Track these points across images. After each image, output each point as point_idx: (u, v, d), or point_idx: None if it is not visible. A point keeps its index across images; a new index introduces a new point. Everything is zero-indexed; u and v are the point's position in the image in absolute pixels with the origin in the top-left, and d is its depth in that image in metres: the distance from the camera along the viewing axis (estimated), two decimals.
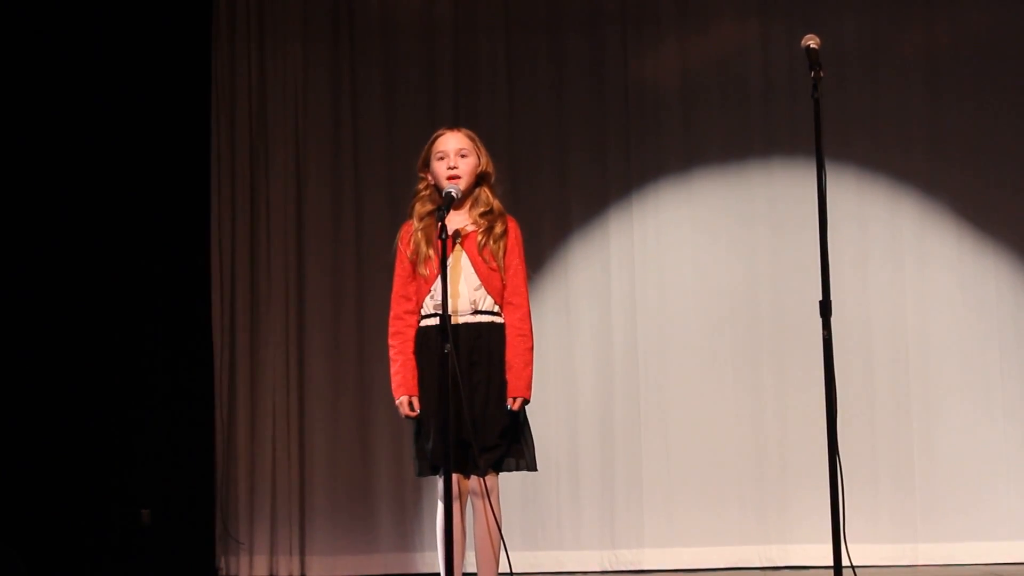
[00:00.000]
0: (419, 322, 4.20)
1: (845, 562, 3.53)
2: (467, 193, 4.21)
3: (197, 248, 6.44)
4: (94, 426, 6.29)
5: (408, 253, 4.21)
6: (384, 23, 6.63)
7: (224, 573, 6.33)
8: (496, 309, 4.17)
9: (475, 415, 4.04)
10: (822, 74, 3.65)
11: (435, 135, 4.29)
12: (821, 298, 3.59)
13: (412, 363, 4.17)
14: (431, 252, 4.14)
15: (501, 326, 4.16)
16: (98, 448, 6.29)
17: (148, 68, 6.41)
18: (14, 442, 6.19)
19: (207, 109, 6.50)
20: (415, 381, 4.16)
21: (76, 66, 6.37)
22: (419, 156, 4.30)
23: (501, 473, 4.17)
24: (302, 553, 6.36)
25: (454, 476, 3.96)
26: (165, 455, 6.34)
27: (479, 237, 4.16)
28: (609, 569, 6.29)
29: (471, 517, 4.18)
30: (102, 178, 6.37)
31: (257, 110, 6.54)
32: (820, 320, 3.58)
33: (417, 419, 4.16)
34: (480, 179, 4.25)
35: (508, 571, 4.11)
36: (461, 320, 4.10)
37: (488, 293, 4.15)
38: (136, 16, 6.41)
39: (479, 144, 4.27)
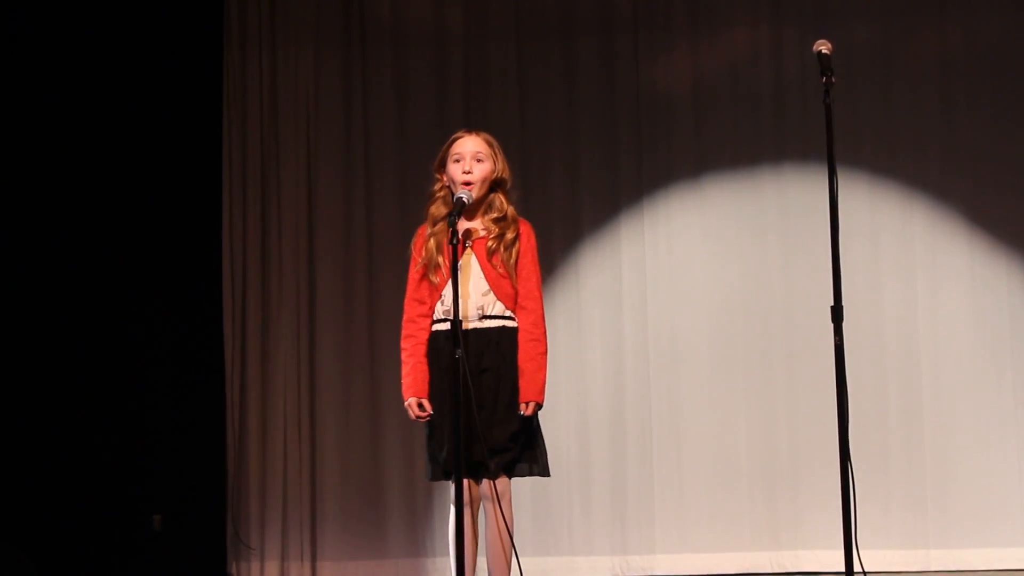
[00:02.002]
0: (431, 327, 4.20)
1: (857, 568, 3.52)
2: (481, 198, 4.20)
3: (209, 252, 6.45)
4: (105, 431, 6.31)
5: (421, 259, 4.21)
6: (395, 29, 6.64)
7: None
8: (508, 314, 4.16)
9: (485, 419, 4.04)
10: (834, 79, 3.65)
11: (453, 136, 4.27)
12: (833, 304, 3.59)
13: (423, 366, 4.16)
14: (440, 259, 4.13)
15: (513, 330, 4.15)
16: (109, 453, 6.31)
17: (160, 73, 6.43)
18: (25, 447, 6.21)
19: (219, 114, 6.52)
20: (425, 384, 4.15)
21: (90, 72, 6.39)
22: (430, 161, 4.30)
23: (513, 478, 4.17)
24: (313, 559, 6.36)
25: (466, 481, 3.96)
26: (176, 460, 6.35)
27: (489, 243, 4.16)
28: (620, 575, 6.28)
29: (483, 522, 4.18)
30: (114, 182, 6.40)
31: (268, 115, 6.56)
32: (832, 326, 3.58)
33: (428, 423, 4.16)
34: (495, 184, 4.23)
35: None
36: (469, 326, 4.09)
37: (498, 299, 4.14)
38: (149, 22, 6.43)
39: (496, 149, 4.24)
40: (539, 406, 4.13)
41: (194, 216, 6.47)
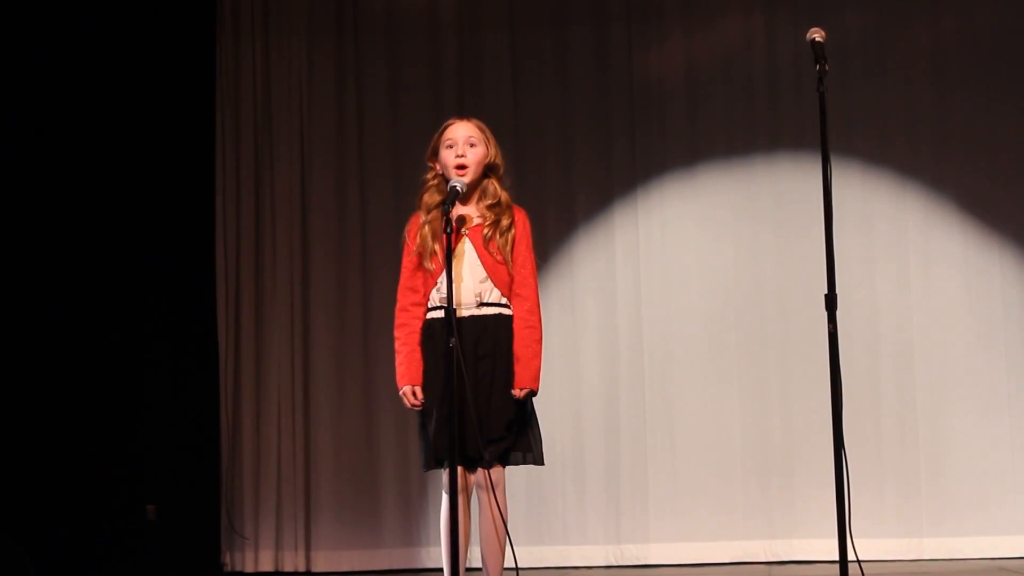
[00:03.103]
0: (425, 314, 4.19)
1: (851, 556, 3.52)
2: (475, 184, 4.18)
3: (202, 244, 6.45)
4: (99, 422, 6.31)
5: (415, 247, 4.20)
6: (388, 17, 6.63)
7: (229, 568, 6.34)
8: (504, 301, 4.14)
9: (480, 408, 4.03)
10: (827, 67, 3.64)
11: (445, 124, 4.25)
12: (826, 292, 3.59)
13: (417, 354, 4.14)
14: (436, 247, 4.12)
15: (509, 318, 4.14)
16: (103, 444, 6.31)
17: (154, 65, 6.43)
18: (20, 439, 6.21)
19: (212, 104, 6.51)
20: (419, 372, 4.14)
21: (85, 64, 6.39)
22: (423, 150, 4.29)
23: (507, 467, 4.16)
24: (307, 548, 6.37)
25: (459, 468, 3.95)
26: (170, 451, 6.36)
27: (485, 230, 4.14)
28: (614, 564, 6.29)
29: (478, 511, 4.17)
30: (109, 174, 6.40)
31: (261, 105, 6.55)
32: (825, 314, 3.58)
33: (422, 412, 4.15)
34: (488, 170, 4.22)
35: (513, 566, 4.10)
36: (465, 313, 4.08)
37: (495, 285, 4.13)
38: (143, 13, 6.42)
39: (489, 135, 4.22)
40: (533, 392, 4.12)
41: (188, 207, 6.47)
